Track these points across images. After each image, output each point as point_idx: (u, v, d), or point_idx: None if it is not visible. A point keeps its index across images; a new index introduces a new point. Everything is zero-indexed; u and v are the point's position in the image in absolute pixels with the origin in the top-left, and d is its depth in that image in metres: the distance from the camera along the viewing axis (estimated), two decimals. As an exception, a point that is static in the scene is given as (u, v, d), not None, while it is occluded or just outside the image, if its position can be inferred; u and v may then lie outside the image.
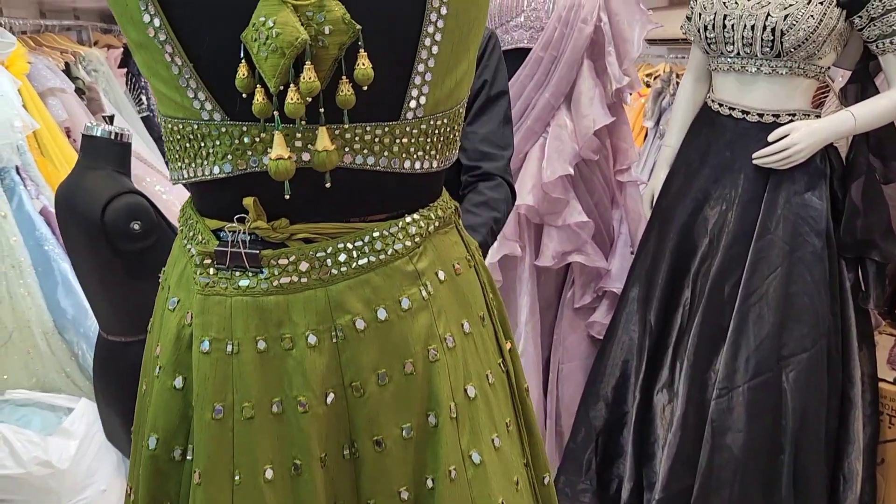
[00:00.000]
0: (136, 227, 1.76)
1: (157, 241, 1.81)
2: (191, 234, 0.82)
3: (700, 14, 1.79)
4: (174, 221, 2.80)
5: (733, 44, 1.74)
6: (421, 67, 0.75)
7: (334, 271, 0.77)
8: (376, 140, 0.76)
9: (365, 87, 0.71)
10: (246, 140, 0.73)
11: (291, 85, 0.68)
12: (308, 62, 0.67)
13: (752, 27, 1.68)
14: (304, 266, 0.76)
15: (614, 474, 1.97)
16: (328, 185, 0.73)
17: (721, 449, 1.72)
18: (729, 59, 1.77)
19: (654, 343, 1.89)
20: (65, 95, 3.36)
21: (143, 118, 4.46)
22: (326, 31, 0.68)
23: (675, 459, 1.78)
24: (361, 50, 0.70)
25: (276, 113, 0.70)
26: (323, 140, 0.71)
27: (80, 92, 3.67)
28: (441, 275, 0.82)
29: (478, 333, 0.86)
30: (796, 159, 1.69)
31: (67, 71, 3.62)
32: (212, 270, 0.77)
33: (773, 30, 1.65)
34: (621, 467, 1.94)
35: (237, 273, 0.76)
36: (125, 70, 4.61)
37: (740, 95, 1.78)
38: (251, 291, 0.76)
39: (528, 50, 2.04)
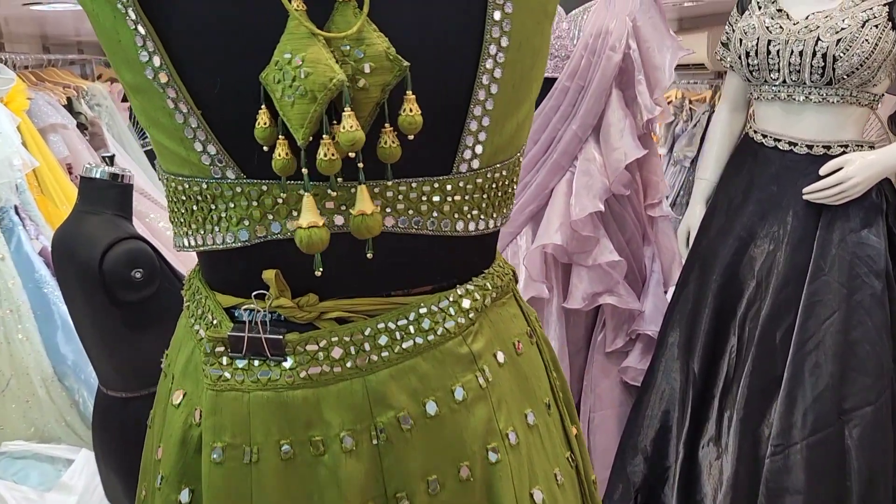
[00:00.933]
0: (138, 275, 1.64)
1: (160, 290, 1.71)
2: (199, 311, 0.69)
3: (741, 39, 1.67)
4: (181, 266, 2.69)
5: (779, 71, 1.62)
6: (478, 110, 0.62)
7: (374, 357, 0.63)
8: (424, 198, 0.63)
9: (411, 137, 0.58)
10: (266, 202, 0.60)
11: (324, 136, 0.55)
12: (348, 107, 0.54)
13: (801, 53, 1.56)
14: (337, 352, 0.63)
15: (655, 536, 1.82)
16: (370, 254, 0.60)
17: (778, 512, 1.58)
18: (774, 88, 1.65)
19: (699, 393, 1.74)
20: (66, 131, 3.31)
21: (146, 152, 4.39)
22: (366, 70, 0.56)
23: (725, 523, 1.63)
24: (409, 92, 0.57)
25: (304, 170, 0.57)
26: (363, 201, 0.58)
27: (82, 127, 3.62)
28: (500, 356, 0.69)
29: (543, 424, 0.72)
30: (851, 194, 1.57)
31: (70, 106, 3.58)
32: (225, 360, 0.63)
33: (823, 55, 1.53)
34: (663, 529, 1.79)
35: (256, 362, 0.63)
36: (128, 104, 4.56)
37: (787, 126, 1.66)
38: (273, 385, 0.62)
39: (554, 80, 1.92)
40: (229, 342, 0.63)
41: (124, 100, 4.50)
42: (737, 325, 1.71)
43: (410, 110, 0.57)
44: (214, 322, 0.66)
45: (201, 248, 0.65)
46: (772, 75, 1.64)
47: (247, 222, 0.61)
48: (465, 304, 0.67)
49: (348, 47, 0.55)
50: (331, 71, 0.53)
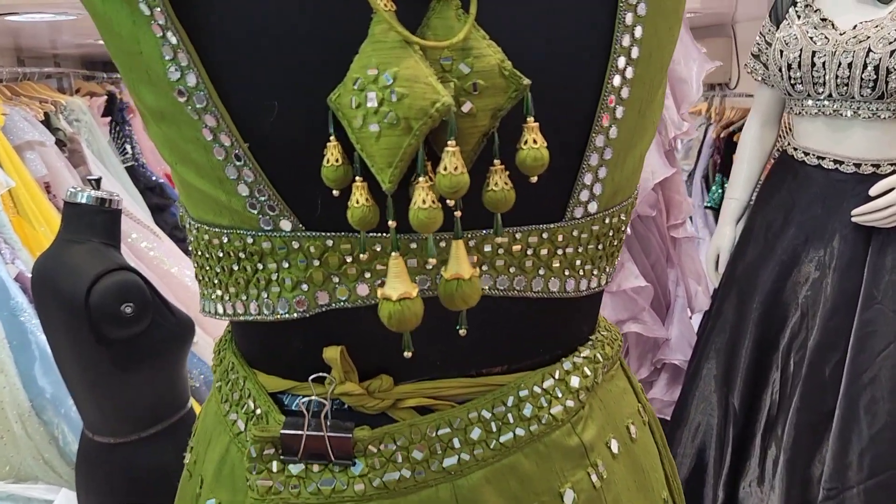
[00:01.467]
0: (128, 310, 1.50)
1: (151, 326, 1.56)
2: (236, 397, 0.54)
3: (781, 51, 1.56)
4: (168, 292, 2.52)
5: (824, 84, 1.51)
6: (600, 140, 0.49)
7: (465, 456, 0.49)
8: (530, 252, 0.49)
9: (534, 179, 0.44)
10: (331, 261, 0.46)
11: (420, 178, 0.41)
12: (452, 140, 0.41)
13: (850, 65, 1.45)
14: (418, 453, 0.48)
15: (692, 584, 1.69)
16: (463, 330, 0.46)
17: (832, 562, 1.45)
18: (818, 102, 1.54)
19: (739, 431, 1.62)
20: (44, 149, 3.17)
21: (127, 168, 4.25)
22: (474, 89, 0.42)
23: (772, 573, 1.50)
24: (530, 118, 0.43)
25: (391, 223, 0.43)
26: (459, 262, 0.44)
27: (60, 144, 3.48)
28: (614, 446, 0.55)
29: None
30: (905, 216, 1.46)
31: (47, 122, 3.44)
32: (275, 465, 0.49)
33: (875, 68, 1.42)
34: (701, 577, 1.66)
35: (316, 468, 0.48)
36: (109, 118, 4.42)
37: (832, 143, 1.55)
38: (339, 497, 0.48)
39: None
40: (281, 442, 0.49)
41: (104, 114, 4.35)
42: (780, 357, 1.59)
43: (534, 142, 0.43)
44: (258, 412, 0.51)
45: (242, 318, 0.50)
46: (817, 89, 1.52)
47: (305, 287, 0.47)
48: (574, 382, 0.53)
49: (450, 60, 0.42)
50: (433, 92, 0.40)
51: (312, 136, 0.43)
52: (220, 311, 0.52)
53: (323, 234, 0.46)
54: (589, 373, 0.54)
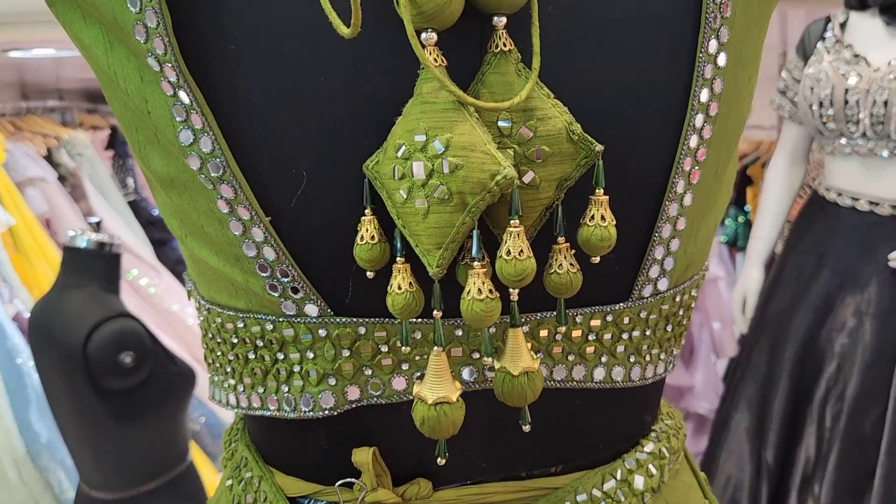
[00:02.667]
0: (127, 359, 1.44)
1: (151, 375, 1.51)
2: (250, 500, 0.46)
3: (811, 88, 1.50)
4: (169, 330, 2.46)
5: (858, 123, 1.45)
6: (673, 209, 0.42)
7: None
8: (591, 338, 0.42)
9: (597, 259, 0.37)
10: (363, 352, 0.39)
11: (476, 262, 0.34)
12: (515, 220, 0.34)
13: (885, 103, 1.39)
14: None
15: None
16: (527, 427, 0.39)
17: None
18: (852, 141, 1.48)
19: (773, 486, 1.53)
20: (45, 185, 3.16)
21: (129, 202, 4.22)
22: (538, 157, 0.35)
23: None
24: (599, 190, 0.36)
25: (436, 314, 0.36)
26: (519, 354, 0.37)
27: (62, 179, 3.46)
28: None
29: None
30: (947, 261, 1.39)
31: (50, 157, 3.43)
32: None
33: (913, 105, 1.36)
34: None
35: None
36: (112, 152, 4.41)
37: (867, 183, 1.49)
38: None
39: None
40: None
41: (107, 148, 4.32)
42: (816, 410, 1.51)
43: (602, 218, 0.36)
44: None
45: (258, 412, 0.43)
46: (850, 128, 1.46)
47: (333, 381, 0.40)
48: (638, 483, 0.45)
49: (510, 123, 0.35)
50: (493, 163, 0.33)
51: (345, 210, 0.36)
52: (233, 402, 0.44)
53: (355, 320, 0.39)
54: (655, 471, 0.46)
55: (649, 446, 0.48)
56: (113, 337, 1.42)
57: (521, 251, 0.34)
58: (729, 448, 1.61)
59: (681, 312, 0.46)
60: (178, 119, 0.37)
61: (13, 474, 2.39)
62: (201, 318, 0.46)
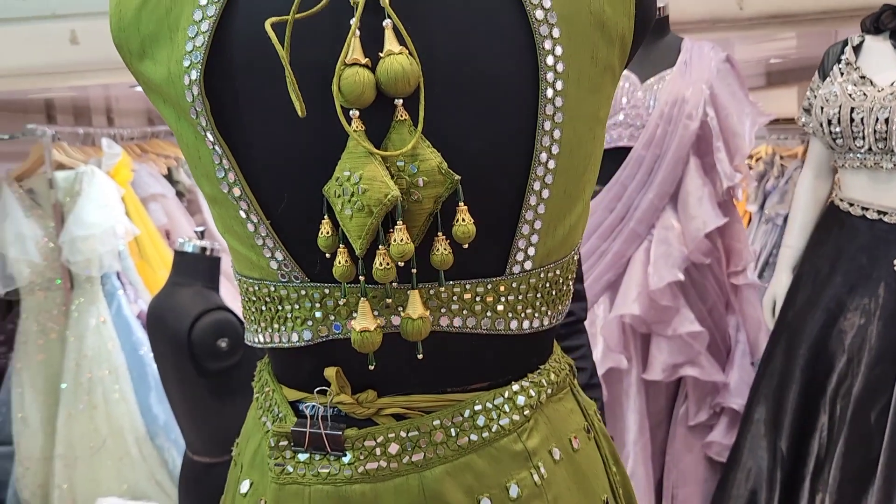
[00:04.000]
0: (223, 344, 1.71)
1: (243, 360, 1.77)
2: (267, 404, 0.72)
3: (822, 108, 1.64)
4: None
5: (864, 139, 1.57)
6: (529, 215, 0.64)
7: (429, 454, 0.64)
8: (478, 299, 0.64)
9: (465, 246, 0.60)
10: (328, 304, 0.63)
11: (381, 246, 0.58)
12: (399, 221, 0.57)
13: (887, 120, 1.51)
14: (393, 448, 0.64)
15: None
16: (420, 355, 0.62)
17: None
18: (860, 155, 1.60)
19: (787, 474, 1.66)
20: (165, 200, 3.48)
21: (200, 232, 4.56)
22: (420, 184, 0.58)
23: None
24: (461, 203, 0.59)
25: (361, 278, 0.59)
26: (415, 306, 0.60)
27: (180, 195, 3.79)
28: (556, 453, 0.68)
29: None
30: (948, 265, 1.49)
31: (169, 175, 3.76)
32: (288, 453, 0.66)
33: (911, 122, 1.48)
34: None
35: (317, 457, 0.65)
36: None
37: (875, 194, 1.60)
38: (333, 479, 0.64)
39: (629, 149, 1.93)
40: (292, 436, 0.65)
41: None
42: (827, 403, 1.62)
43: (463, 220, 0.59)
44: (280, 415, 0.69)
45: (268, 345, 0.68)
46: (856, 143, 1.59)
47: (310, 323, 0.64)
48: (520, 401, 0.67)
49: (403, 163, 0.58)
50: (386, 188, 0.56)
51: (312, 216, 0.61)
52: (256, 340, 0.70)
53: (321, 284, 0.63)
54: (534, 394, 0.68)
55: (533, 377, 0.69)
56: (212, 326, 1.70)
57: (403, 240, 0.57)
58: (751, 440, 1.74)
59: (548, 285, 0.68)
60: (215, 162, 0.62)
61: (135, 451, 2.66)
62: (238, 288, 0.71)
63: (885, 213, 1.59)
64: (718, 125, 1.90)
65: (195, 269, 1.81)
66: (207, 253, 1.81)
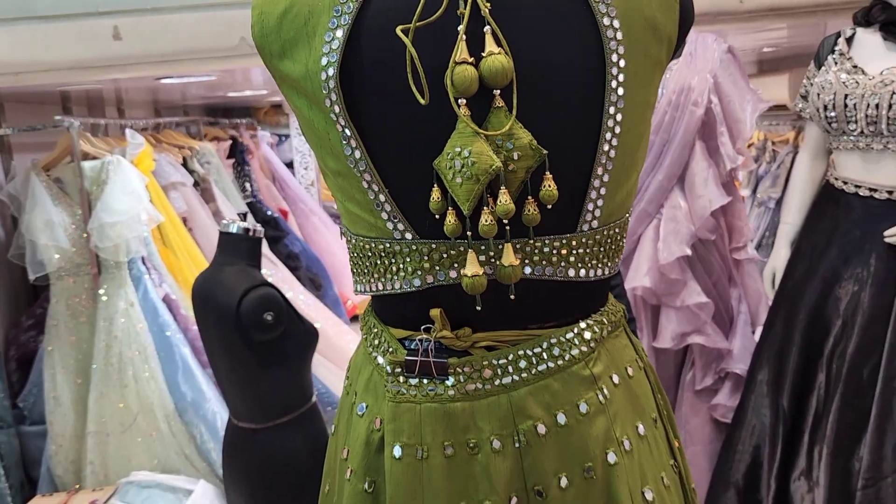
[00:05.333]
0: (269, 317, 1.83)
1: (285, 332, 1.89)
2: (376, 342, 0.87)
3: (818, 94, 1.79)
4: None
5: (856, 122, 1.72)
6: (597, 183, 0.78)
7: (515, 377, 0.79)
8: (554, 252, 0.79)
9: (549, 206, 0.75)
10: (435, 257, 0.78)
11: (485, 207, 0.73)
12: (503, 187, 0.72)
13: (877, 106, 1.67)
14: (487, 373, 0.79)
15: (750, 568, 1.88)
16: (513, 296, 0.77)
17: (871, 544, 1.63)
18: (852, 138, 1.75)
19: (789, 429, 1.82)
20: (184, 188, 3.57)
21: (248, 204, 4.69)
22: (515, 157, 0.73)
23: (819, 554, 1.69)
24: (547, 172, 0.74)
25: (469, 233, 0.74)
26: (508, 256, 0.75)
27: (195, 184, 3.90)
28: (615, 378, 0.84)
29: (651, 435, 0.86)
30: (933, 237, 1.65)
31: (185, 164, 3.86)
32: (402, 378, 0.81)
33: (899, 107, 1.63)
34: (758, 561, 1.86)
35: (425, 381, 0.80)
36: (232, 160, 4.89)
37: (866, 173, 1.75)
38: (439, 398, 0.79)
39: (639, 134, 2.07)
40: (405, 365, 0.80)
41: (228, 156, 4.87)
42: (824, 363, 1.78)
43: (549, 186, 0.74)
44: (390, 350, 0.84)
45: (382, 293, 0.83)
46: (850, 126, 1.74)
47: (419, 272, 0.79)
48: (587, 335, 0.82)
49: (501, 141, 0.73)
50: (491, 160, 0.71)
51: (423, 185, 0.75)
52: (368, 289, 0.84)
53: (429, 241, 0.78)
54: (597, 330, 0.83)
55: (596, 317, 0.84)
56: (258, 300, 1.83)
57: (507, 200, 0.72)
58: (755, 399, 1.90)
59: (609, 241, 0.83)
60: (343, 142, 0.77)
61: (165, 427, 2.77)
62: (350, 247, 0.86)
63: (875, 190, 1.75)
64: (722, 111, 2.05)
65: (239, 248, 1.94)
66: (251, 234, 1.94)
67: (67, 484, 2.78)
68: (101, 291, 2.81)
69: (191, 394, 2.79)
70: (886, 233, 1.70)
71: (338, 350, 4.41)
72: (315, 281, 4.74)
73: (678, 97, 2.03)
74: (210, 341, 2.00)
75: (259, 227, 1.99)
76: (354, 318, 5.49)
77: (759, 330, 2.20)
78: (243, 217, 1.98)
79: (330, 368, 4.16)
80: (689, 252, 2.00)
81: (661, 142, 2.04)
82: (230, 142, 4.93)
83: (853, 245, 1.77)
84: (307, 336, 1.96)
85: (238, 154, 5.03)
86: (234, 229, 1.93)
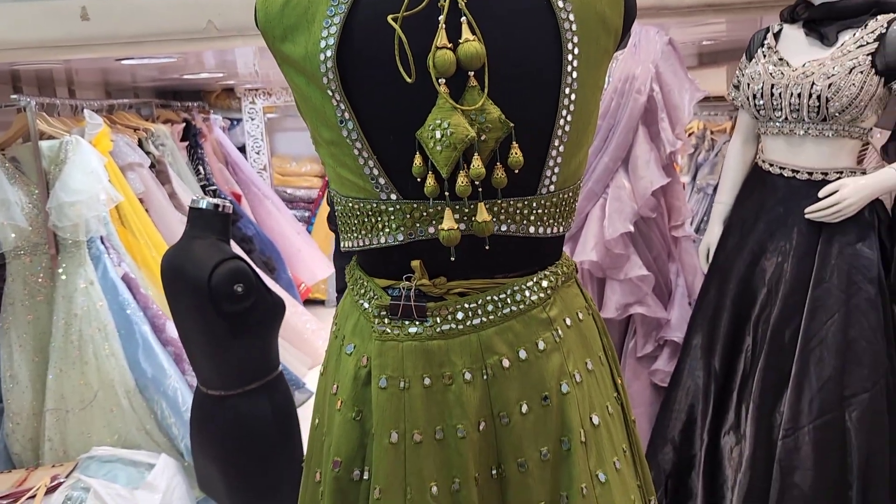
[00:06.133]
0: (239, 289, 1.92)
1: (255, 303, 1.97)
2: (362, 291, 0.99)
3: (749, 84, 1.96)
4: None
5: (781, 110, 1.90)
6: (554, 153, 0.92)
7: (484, 319, 0.93)
8: (517, 211, 0.92)
9: (515, 171, 0.88)
10: (416, 215, 0.91)
11: (461, 171, 0.85)
12: (476, 154, 0.85)
13: (799, 95, 1.84)
14: (460, 315, 0.92)
15: (685, 516, 2.06)
16: (487, 248, 0.90)
17: (790, 487, 1.82)
18: (778, 124, 1.93)
19: (720, 388, 2.00)
20: (142, 170, 3.59)
21: (201, 187, 4.71)
22: (487, 129, 0.86)
23: (745, 499, 1.87)
24: (514, 142, 0.87)
25: (446, 193, 0.87)
26: (482, 213, 0.88)
27: (150, 165, 3.91)
28: (568, 321, 0.98)
29: (598, 371, 1.01)
30: (846, 213, 1.83)
31: (140, 146, 3.87)
32: (387, 320, 0.93)
33: (818, 97, 1.81)
34: (692, 509, 2.04)
35: (407, 322, 0.93)
36: (186, 143, 4.89)
37: (790, 156, 1.93)
38: (419, 337, 0.92)
39: (587, 119, 2.22)
40: (389, 308, 0.93)
41: (182, 140, 4.87)
42: (751, 328, 1.96)
43: (516, 153, 0.87)
44: (376, 297, 0.96)
45: (368, 247, 0.95)
46: (775, 113, 1.92)
47: (402, 228, 0.91)
48: (544, 284, 0.96)
49: (475, 115, 0.86)
50: (467, 131, 0.84)
51: (407, 152, 0.88)
52: (356, 245, 0.96)
53: (412, 201, 0.90)
54: (553, 280, 0.97)
55: (552, 268, 0.98)
56: (229, 273, 1.90)
57: (479, 165, 0.84)
58: (690, 362, 2.08)
59: (563, 203, 0.96)
60: (338, 115, 0.88)
61: (126, 404, 2.81)
62: (339, 207, 0.97)
63: (797, 172, 1.93)
64: (662, 99, 2.21)
65: (209, 223, 2.01)
66: (220, 209, 2.02)
67: (25, 461, 2.78)
68: (60, 270, 2.82)
69: (151, 370, 2.84)
70: (807, 210, 1.89)
71: (293, 330, 4.49)
72: (269, 264, 4.79)
73: (623, 85, 2.18)
74: (180, 313, 2.07)
75: (228, 203, 2.07)
76: (308, 302, 5.56)
77: (695, 301, 2.38)
78: (213, 193, 2.06)
79: (286, 347, 4.24)
80: (631, 229, 2.17)
81: (608, 126, 2.20)
82: (184, 125, 4.93)
83: (778, 221, 1.95)
84: (275, 307, 2.05)
85: (191, 137, 5.03)
86: (204, 205, 2.00)
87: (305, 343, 4.47)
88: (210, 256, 1.95)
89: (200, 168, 5.02)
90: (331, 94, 0.88)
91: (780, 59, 1.91)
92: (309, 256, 5.24)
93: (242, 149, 6.00)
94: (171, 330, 2.97)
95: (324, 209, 5.96)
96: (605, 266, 2.20)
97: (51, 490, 2.49)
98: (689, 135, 4.86)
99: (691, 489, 2.04)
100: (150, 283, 3.20)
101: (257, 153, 6.04)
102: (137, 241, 3.30)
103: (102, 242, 3.00)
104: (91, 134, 3.14)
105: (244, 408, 2.04)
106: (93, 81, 4.78)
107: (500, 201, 0.90)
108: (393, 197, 0.91)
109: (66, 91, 4.13)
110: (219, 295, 1.92)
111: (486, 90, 0.85)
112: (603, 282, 2.27)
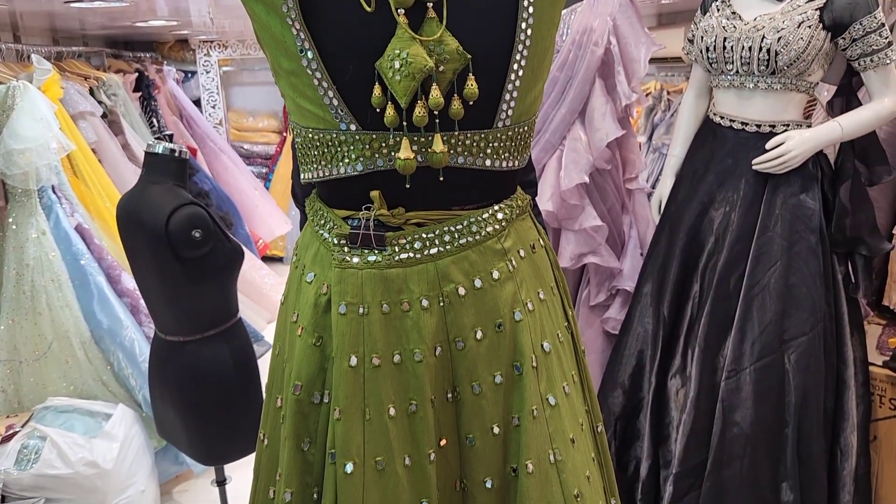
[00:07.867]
0: (197, 234, 1.91)
1: (214, 249, 1.97)
2: (321, 222, 1.01)
3: (702, 37, 2.01)
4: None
5: (733, 63, 1.95)
6: (510, 87, 0.95)
7: (440, 249, 0.96)
8: (474, 144, 0.95)
9: (471, 103, 0.90)
10: (374, 145, 0.93)
11: (419, 101, 0.87)
12: (434, 84, 0.87)
13: (750, 48, 1.89)
14: (417, 245, 0.95)
15: (632, 456, 2.15)
16: (441, 179, 0.93)
17: (731, 425, 1.91)
18: (729, 77, 1.98)
19: (668, 333, 2.08)
20: (93, 119, 3.51)
21: (156, 138, 4.61)
22: (445, 60, 0.88)
23: (689, 437, 1.96)
24: (471, 74, 0.89)
25: (404, 123, 0.89)
26: (438, 144, 0.90)
27: (102, 115, 3.82)
28: (521, 252, 1.02)
29: (550, 301, 1.05)
30: (791, 164, 1.90)
31: (91, 95, 3.77)
32: (346, 248, 0.96)
33: (768, 50, 1.86)
34: (639, 449, 2.12)
35: (366, 251, 0.95)
36: (139, 94, 4.78)
37: (740, 109, 1.99)
38: (377, 265, 0.95)
39: (545, 70, 2.24)
40: (349, 237, 0.95)
41: (135, 90, 4.76)
42: (699, 275, 2.04)
43: (471, 85, 0.90)
44: (335, 227, 0.98)
45: (328, 178, 0.97)
46: (727, 66, 1.97)
47: (361, 159, 0.93)
48: (500, 216, 1.00)
49: (433, 46, 0.88)
50: (425, 61, 0.86)
51: (366, 82, 0.89)
52: (315, 175, 0.98)
53: (371, 132, 0.92)
54: (508, 212, 1.01)
55: (508, 201, 1.02)
56: (187, 218, 1.89)
57: (437, 95, 0.87)
58: (640, 309, 2.15)
59: (519, 137, 0.99)
60: (298, 44, 0.89)
61: (81, 355, 2.80)
62: (299, 139, 0.99)
63: (746, 124, 1.99)
64: (619, 52, 2.25)
65: (166, 168, 1.99)
66: (177, 154, 2.01)
67: (-23, 413, 2.77)
68: (10, 220, 2.76)
69: (107, 321, 2.82)
70: (754, 161, 1.95)
71: (251, 284, 4.48)
72: (226, 219, 4.75)
73: (581, 37, 2.21)
74: (137, 258, 2.05)
75: (185, 148, 2.05)
76: (265, 259, 5.54)
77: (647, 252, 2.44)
78: (169, 138, 2.04)
79: (244, 301, 4.23)
80: (587, 180, 2.21)
81: (565, 78, 2.23)
82: (136, 75, 4.82)
83: (726, 172, 2.01)
84: (234, 253, 2.05)
85: (144, 88, 4.93)
86: (160, 150, 1.98)
87: (263, 297, 4.47)
88: (167, 202, 1.94)
89: (154, 120, 4.93)
90: (290, 22, 0.89)
91: (733, 13, 1.96)
92: (266, 212, 5.21)
93: (198, 102, 5.88)
94: (127, 281, 2.94)
95: (282, 165, 5.90)
96: (561, 216, 2.24)
97: (6, 440, 2.48)
98: (647, 95, 4.92)
99: (639, 430, 2.12)
100: (104, 234, 3.15)
101: (213, 107, 5.93)
102: (91, 192, 3.24)
103: (54, 192, 2.95)
104: (39, 80, 3.06)
105: (203, 353, 2.04)
106: (39, 27, 4.62)
107: (456, 133, 0.93)
108: (353, 127, 0.93)
109: (10, 36, 3.99)
110: (177, 241, 1.91)
111: (444, 22, 0.87)
112: (558, 232, 2.32)
